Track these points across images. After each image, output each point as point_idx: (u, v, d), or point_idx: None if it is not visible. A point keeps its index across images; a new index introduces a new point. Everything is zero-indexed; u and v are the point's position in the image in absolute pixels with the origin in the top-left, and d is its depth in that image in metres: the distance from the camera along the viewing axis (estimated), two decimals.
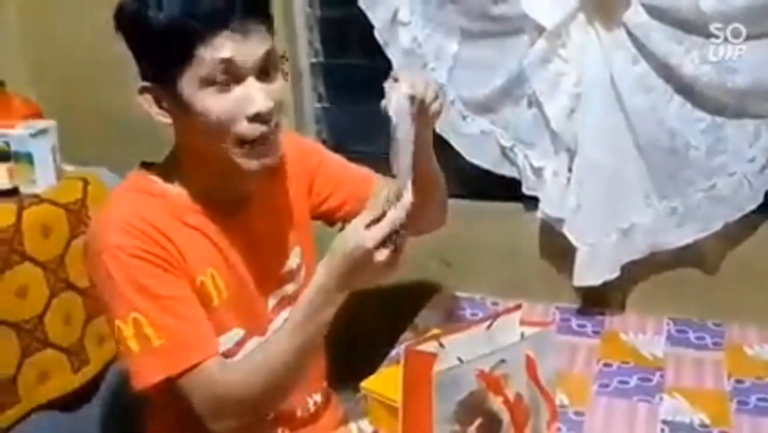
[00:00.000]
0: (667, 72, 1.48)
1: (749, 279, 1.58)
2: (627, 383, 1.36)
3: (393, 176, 1.02)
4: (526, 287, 1.68)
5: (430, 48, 1.64)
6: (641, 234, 1.58)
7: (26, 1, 1.98)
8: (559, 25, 1.50)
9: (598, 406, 1.30)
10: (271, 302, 1.23)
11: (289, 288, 1.25)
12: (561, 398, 1.28)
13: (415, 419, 0.98)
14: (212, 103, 1.05)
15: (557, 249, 1.65)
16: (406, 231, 1.00)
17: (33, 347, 1.55)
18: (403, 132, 1.01)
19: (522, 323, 1.08)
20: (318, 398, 1.32)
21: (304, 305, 1.06)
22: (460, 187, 1.58)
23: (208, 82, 1.04)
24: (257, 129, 1.07)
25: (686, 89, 1.49)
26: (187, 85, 1.04)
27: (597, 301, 1.65)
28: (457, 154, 1.68)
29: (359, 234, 1.00)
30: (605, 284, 1.59)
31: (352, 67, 1.89)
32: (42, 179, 1.62)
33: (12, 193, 1.61)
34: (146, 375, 1.07)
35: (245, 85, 1.06)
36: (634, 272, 1.62)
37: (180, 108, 1.07)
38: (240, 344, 1.17)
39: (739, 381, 1.35)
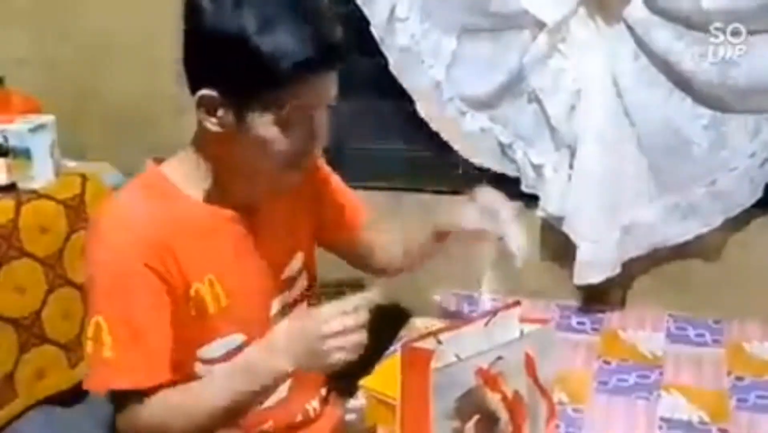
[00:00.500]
0: (667, 68, 1.48)
1: (750, 275, 1.57)
2: (626, 380, 1.36)
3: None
4: (525, 285, 1.68)
5: (428, 45, 1.63)
6: (642, 231, 1.58)
7: None
8: (560, 21, 1.49)
9: (597, 403, 1.30)
10: (275, 307, 1.22)
11: (291, 293, 1.25)
12: (560, 395, 1.27)
13: (414, 416, 0.98)
14: (280, 137, 1.04)
15: (557, 247, 1.64)
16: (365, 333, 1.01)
17: (31, 343, 1.55)
18: None
19: (522, 320, 1.08)
20: (316, 404, 1.32)
21: (244, 359, 1.09)
22: (459, 184, 1.57)
23: (282, 120, 1.03)
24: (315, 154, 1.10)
25: (687, 85, 1.49)
26: (260, 114, 1.02)
27: (597, 298, 1.64)
28: (456, 151, 1.68)
29: (322, 316, 1.01)
30: (605, 281, 1.59)
31: (348, 64, 1.87)
32: (40, 175, 1.62)
33: (10, 188, 1.60)
34: (92, 380, 1.08)
35: (313, 118, 1.05)
36: (634, 268, 1.62)
37: (241, 127, 1.03)
38: (241, 348, 1.16)
39: (738, 378, 1.34)
